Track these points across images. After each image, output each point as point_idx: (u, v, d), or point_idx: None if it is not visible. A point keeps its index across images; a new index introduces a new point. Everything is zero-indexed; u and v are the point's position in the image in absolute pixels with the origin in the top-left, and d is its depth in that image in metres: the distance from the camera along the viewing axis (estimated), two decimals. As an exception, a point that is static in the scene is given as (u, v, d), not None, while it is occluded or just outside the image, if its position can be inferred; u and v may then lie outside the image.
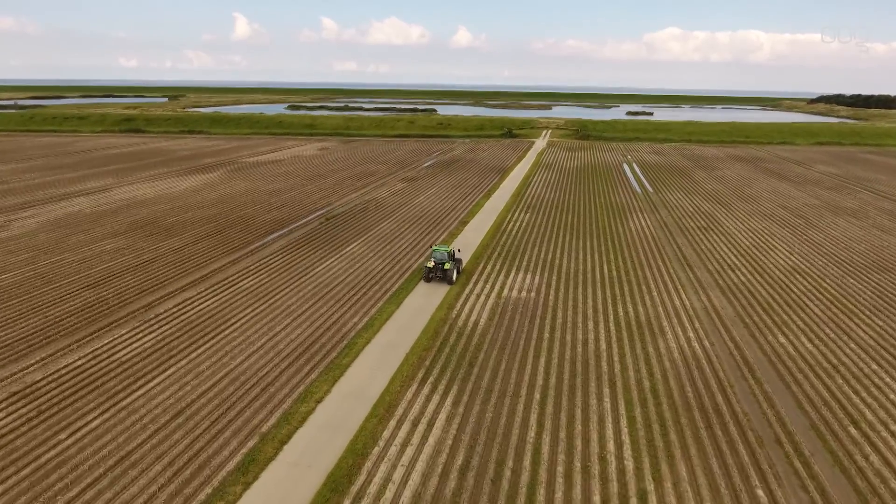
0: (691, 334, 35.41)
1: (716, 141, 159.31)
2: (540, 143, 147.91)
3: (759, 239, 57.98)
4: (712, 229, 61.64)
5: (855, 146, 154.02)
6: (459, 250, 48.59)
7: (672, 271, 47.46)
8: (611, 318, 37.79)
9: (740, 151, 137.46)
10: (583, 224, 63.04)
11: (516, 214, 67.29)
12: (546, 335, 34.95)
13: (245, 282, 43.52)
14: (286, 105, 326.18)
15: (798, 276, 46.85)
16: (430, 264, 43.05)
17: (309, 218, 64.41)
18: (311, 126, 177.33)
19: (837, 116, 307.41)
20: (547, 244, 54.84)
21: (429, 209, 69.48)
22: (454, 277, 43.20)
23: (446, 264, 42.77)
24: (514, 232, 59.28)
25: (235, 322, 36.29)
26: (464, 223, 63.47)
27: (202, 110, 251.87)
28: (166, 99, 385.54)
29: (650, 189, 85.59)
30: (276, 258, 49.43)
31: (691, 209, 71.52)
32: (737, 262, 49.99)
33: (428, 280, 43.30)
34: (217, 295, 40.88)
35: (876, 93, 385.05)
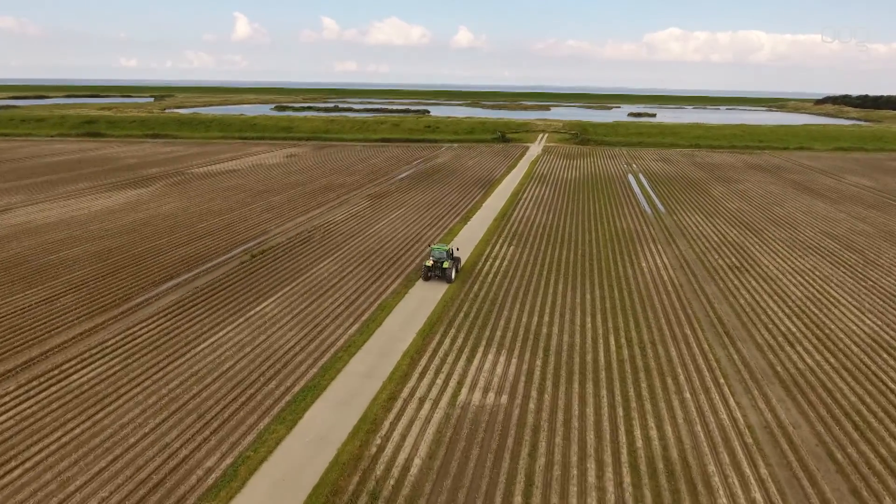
0: (757, 494, 21.48)
1: (727, 146, 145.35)
2: (535, 149, 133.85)
3: (812, 286, 44.08)
4: (748, 270, 47.73)
5: (880, 152, 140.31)
6: (458, 248, 49.94)
7: (706, 347, 33.52)
8: (624, 453, 23.82)
9: (757, 159, 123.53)
10: (581, 263, 49.04)
11: (497, 248, 53.22)
12: (518, 499, 21.01)
13: (82, 372, 29.54)
14: (272, 106, 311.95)
15: (884, 354, 32.98)
16: (430, 263, 42.82)
17: (232, 253, 50.44)
18: (288, 129, 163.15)
19: (848, 118, 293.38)
20: (532, 298, 40.85)
21: (388, 240, 55.41)
22: (453, 276, 43.13)
23: (445, 263, 42.58)
24: (490, 276, 45.28)
25: (15, 468, 22.35)
26: (429, 260, 49.42)
27: (180, 111, 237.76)
28: (152, 99, 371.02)
29: (662, 209, 71.58)
30: (153, 325, 35.43)
31: (716, 239, 57.49)
32: (793, 329, 36.07)
33: (427, 279, 43.18)
34: (26, 400, 26.94)
35: (878, 93, 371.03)
